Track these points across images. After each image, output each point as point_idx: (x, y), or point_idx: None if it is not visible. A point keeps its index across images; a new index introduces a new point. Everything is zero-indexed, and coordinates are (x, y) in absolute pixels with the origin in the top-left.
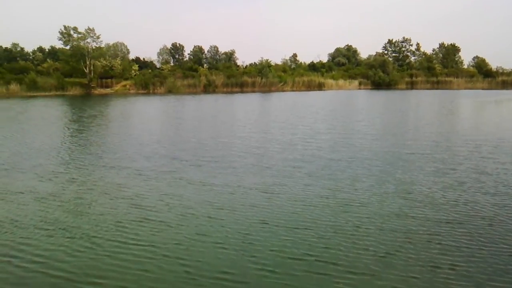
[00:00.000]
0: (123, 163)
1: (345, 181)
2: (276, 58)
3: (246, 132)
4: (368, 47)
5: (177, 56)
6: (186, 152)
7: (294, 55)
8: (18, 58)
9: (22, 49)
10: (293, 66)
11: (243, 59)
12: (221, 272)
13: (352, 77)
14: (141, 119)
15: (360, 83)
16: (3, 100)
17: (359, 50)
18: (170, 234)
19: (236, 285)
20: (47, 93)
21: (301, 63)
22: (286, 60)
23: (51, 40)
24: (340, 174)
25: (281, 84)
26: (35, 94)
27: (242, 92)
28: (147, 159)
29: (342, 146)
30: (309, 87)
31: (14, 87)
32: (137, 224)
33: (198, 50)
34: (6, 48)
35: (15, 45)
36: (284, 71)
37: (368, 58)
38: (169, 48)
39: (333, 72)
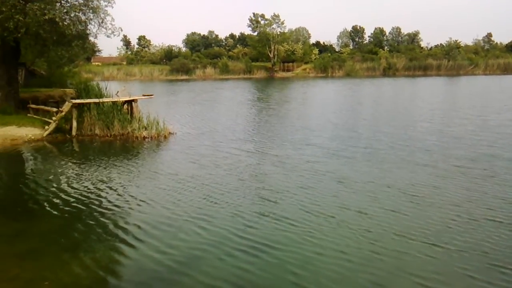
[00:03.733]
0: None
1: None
2: (467, 38)
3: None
4: None
5: (357, 39)
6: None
7: (489, 35)
8: (213, 45)
9: (216, 36)
10: (486, 47)
11: (428, 40)
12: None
13: None
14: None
15: None
16: (200, 82)
17: None
18: None
19: None
20: (236, 76)
21: (496, 43)
22: (479, 40)
23: (241, 27)
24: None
25: (471, 67)
26: (226, 77)
27: (425, 75)
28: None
29: None
30: (506, 70)
31: (209, 70)
32: None
33: (378, 32)
34: (203, 35)
35: (210, 32)
36: (476, 52)
37: None
38: (349, 31)
39: None
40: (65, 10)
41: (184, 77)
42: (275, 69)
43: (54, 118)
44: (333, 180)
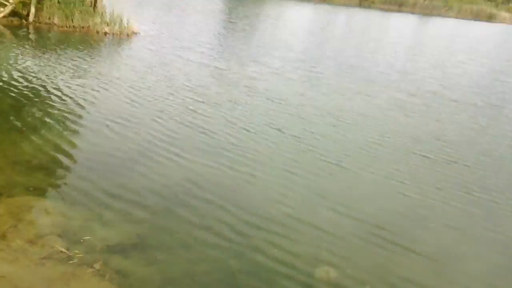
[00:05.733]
0: None
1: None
2: None
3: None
4: None
5: None
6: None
7: None
8: None
9: None
10: None
11: None
12: None
13: None
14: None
15: None
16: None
17: None
18: None
19: None
20: None
21: None
22: None
23: None
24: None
25: (446, 9)
26: None
27: (400, 11)
28: None
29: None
30: (477, 16)
31: None
32: None
33: None
34: None
35: None
36: None
37: None
38: None
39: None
40: None
41: None
42: None
43: (11, 0)
44: (268, 99)
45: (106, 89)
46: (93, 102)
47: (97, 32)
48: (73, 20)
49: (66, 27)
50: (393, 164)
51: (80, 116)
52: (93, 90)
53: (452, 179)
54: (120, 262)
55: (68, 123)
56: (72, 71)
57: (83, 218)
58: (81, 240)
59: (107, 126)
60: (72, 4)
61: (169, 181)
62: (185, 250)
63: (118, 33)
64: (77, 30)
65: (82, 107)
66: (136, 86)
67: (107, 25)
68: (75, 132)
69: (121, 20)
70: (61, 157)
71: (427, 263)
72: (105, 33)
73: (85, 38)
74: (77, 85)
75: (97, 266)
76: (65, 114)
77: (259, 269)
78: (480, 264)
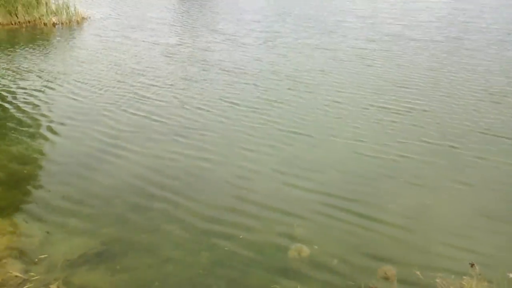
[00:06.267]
0: None
1: None
2: None
3: None
4: None
5: None
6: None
7: None
8: None
9: None
10: None
11: None
12: None
13: None
14: None
15: None
16: None
17: None
18: None
19: None
20: None
21: None
22: None
23: None
24: None
25: None
26: None
27: None
28: None
29: None
30: None
31: None
32: None
33: None
34: None
35: None
36: None
37: None
38: None
39: None
40: None
41: None
42: None
43: None
44: (222, 70)
45: (51, 88)
46: (36, 105)
47: (45, 24)
48: (17, 16)
49: (12, 24)
50: (352, 123)
51: (23, 123)
52: (36, 91)
53: (412, 129)
54: (84, 276)
55: (11, 133)
56: (13, 73)
57: (43, 233)
58: (39, 260)
59: (52, 130)
60: None
61: (125, 180)
62: (152, 252)
63: (67, 21)
64: (23, 25)
65: (25, 112)
66: (81, 79)
67: (55, 14)
68: (20, 141)
69: (68, 8)
70: (10, 169)
71: (395, 227)
72: (54, 24)
73: (32, 33)
74: (19, 88)
75: (53, 287)
76: (8, 123)
77: (230, 259)
78: (448, 218)
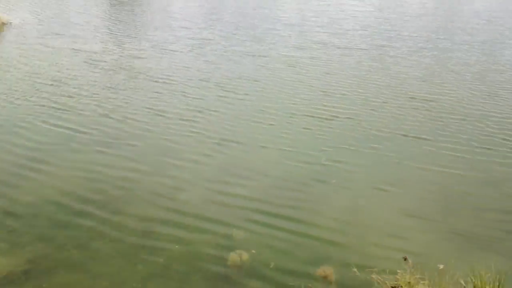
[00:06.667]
0: None
1: None
2: None
3: None
4: None
5: None
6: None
7: None
8: None
9: None
10: None
11: None
12: None
13: None
14: None
15: None
16: None
17: None
18: None
19: None
20: None
21: None
22: None
23: None
24: None
25: None
26: None
27: None
28: None
29: None
30: None
31: None
32: None
33: None
34: None
35: None
36: None
37: None
38: None
39: None
40: None
41: None
42: None
43: None
44: (149, 79)
45: None
46: None
47: None
48: None
49: None
50: (282, 130)
51: None
52: None
53: (339, 135)
54: None
55: None
56: None
57: None
58: None
59: None
60: None
61: (48, 197)
62: (82, 268)
63: None
64: None
65: None
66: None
67: None
68: None
69: None
70: None
71: (329, 229)
72: None
73: None
74: None
75: None
76: None
77: (166, 271)
78: (379, 218)
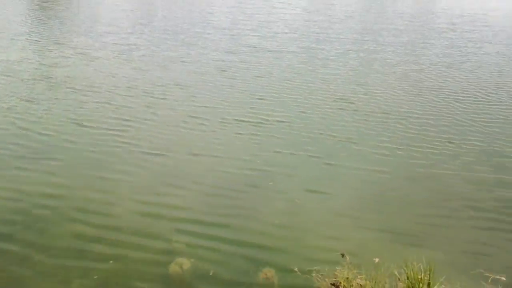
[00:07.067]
0: None
1: None
2: None
3: None
4: None
5: None
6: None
7: None
8: None
9: None
10: None
11: None
12: None
13: None
14: None
15: None
16: None
17: None
18: None
19: None
20: None
21: None
22: None
23: None
24: None
25: None
26: None
27: None
28: None
29: None
30: None
31: None
32: None
33: None
34: None
35: None
36: None
37: None
38: None
39: None
40: None
41: None
42: None
43: None
44: (70, 89)
45: None
46: None
47: None
48: None
49: None
50: (213, 137)
51: None
52: None
53: (270, 140)
54: None
55: None
56: None
57: None
58: None
59: None
60: None
61: None
62: None
63: None
64: None
65: None
66: None
67: None
68: None
69: None
70: None
71: (268, 233)
72: None
73: None
74: None
75: None
76: None
77: (110, 280)
78: (316, 219)
